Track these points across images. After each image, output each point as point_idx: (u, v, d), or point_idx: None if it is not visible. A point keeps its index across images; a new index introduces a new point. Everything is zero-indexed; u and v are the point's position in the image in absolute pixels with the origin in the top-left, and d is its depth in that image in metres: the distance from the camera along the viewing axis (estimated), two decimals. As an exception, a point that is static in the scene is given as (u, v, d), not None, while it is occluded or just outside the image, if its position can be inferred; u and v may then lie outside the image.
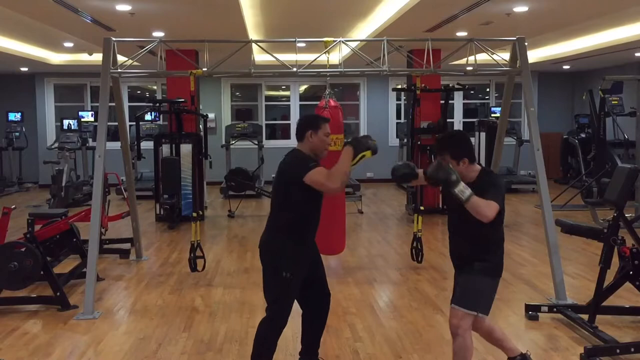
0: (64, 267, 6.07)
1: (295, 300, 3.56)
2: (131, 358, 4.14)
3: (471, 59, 6.05)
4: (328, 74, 5.99)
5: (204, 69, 5.91)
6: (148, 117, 12.53)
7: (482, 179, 3.25)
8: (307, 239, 3.49)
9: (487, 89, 15.26)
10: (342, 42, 5.98)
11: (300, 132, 3.48)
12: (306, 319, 3.70)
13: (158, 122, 12.83)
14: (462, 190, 3.09)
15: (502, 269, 3.32)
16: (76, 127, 12.32)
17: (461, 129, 13.85)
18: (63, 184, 10.61)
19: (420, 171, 3.55)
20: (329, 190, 3.28)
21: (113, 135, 11.55)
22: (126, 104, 12.95)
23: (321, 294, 3.65)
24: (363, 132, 14.79)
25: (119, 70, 6.00)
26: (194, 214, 5.99)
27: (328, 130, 3.48)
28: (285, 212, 3.43)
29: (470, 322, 3.23)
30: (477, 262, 3.23)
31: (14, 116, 13.47)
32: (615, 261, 4.49)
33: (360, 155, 3.32)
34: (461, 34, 8.49)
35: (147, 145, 10.31)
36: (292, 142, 3.54)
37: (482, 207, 3.07)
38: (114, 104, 6.49)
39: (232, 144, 12.48)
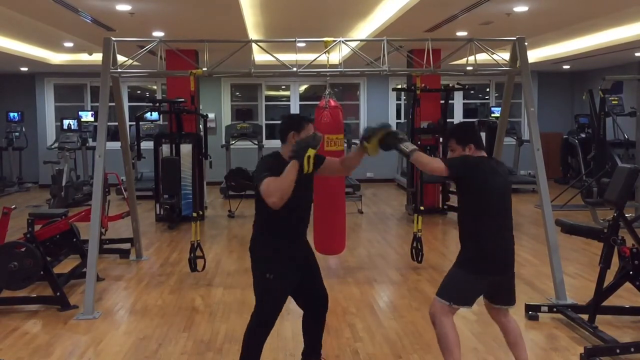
0: (64, 267, 6.07)
1: (294, 302, 3.58)
2: (131, 358, 4.14)
3: (471, 59, 6.04)
4: (328, 74, 5.99)
5: (204, 69, 5.91)
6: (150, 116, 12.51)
7: None
8: (289, 240, 3.42)
9: (487, 89, 15.26)
10: (342, 42, 5.98)
11: (282, 133, 3.40)
12: (305, 320, 3.70)
13: (158, 122, 12.82)
14: (406, 146, 3.33)
15: (480, 265, 3.23)
16: (76, 127, 12.29)
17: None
18: (63, 184, 10.61)
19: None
20: (270, 205, 3.15)
21: (113, 135, 11.53)
22: (126, 104, 12.95)
23: (317, 297, 3.62)
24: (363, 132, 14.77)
25: (119, 70, 6.00)
26: (194, 214, 6.00)
27: (311, 132, 3.37)
28: (259, 211, 3.43)
29: (446, 311, 3.24)
30: (459, 254, 3.35)
31: (14, 116, 13.46)
32: (615, 261, 4.49)
33: (306, 159, 3.17)
34: (461, 33, 8.48)
35: (147, 145, 10.30)
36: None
37: (425, 162, 3.29)
38: (114, 104, 6.49)
39: (232, 144, 12.47)
